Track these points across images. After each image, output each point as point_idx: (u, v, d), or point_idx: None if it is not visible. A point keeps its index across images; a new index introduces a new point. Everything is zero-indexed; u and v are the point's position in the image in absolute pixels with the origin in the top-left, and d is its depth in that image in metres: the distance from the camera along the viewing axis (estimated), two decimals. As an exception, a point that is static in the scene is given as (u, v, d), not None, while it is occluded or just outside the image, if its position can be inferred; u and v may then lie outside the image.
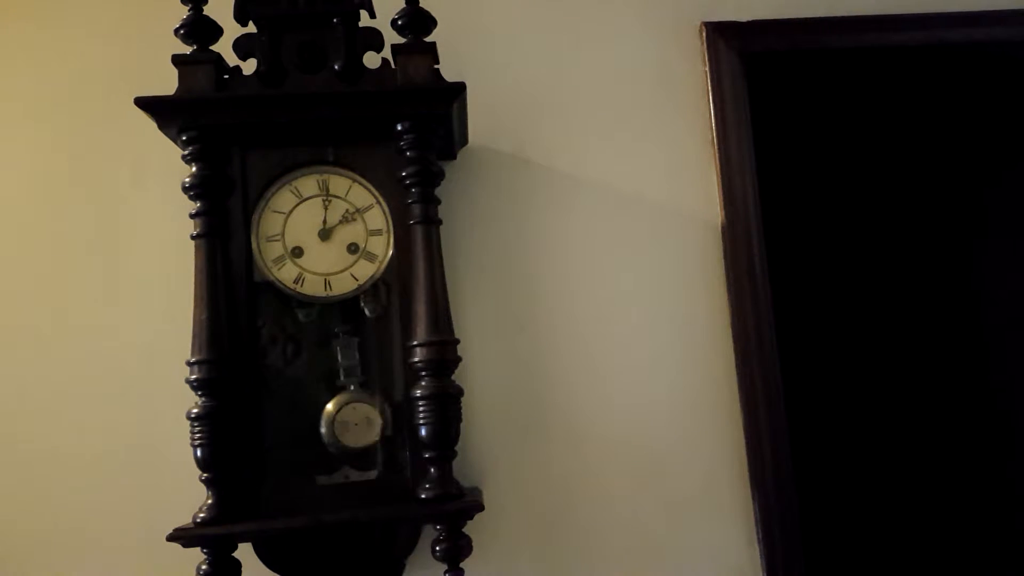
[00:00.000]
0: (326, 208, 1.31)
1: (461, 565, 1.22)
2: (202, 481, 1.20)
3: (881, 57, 1.77)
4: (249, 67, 1.32)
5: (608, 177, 1.59)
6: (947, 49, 1.76)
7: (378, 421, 1.29)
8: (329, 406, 1.31)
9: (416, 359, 1.23)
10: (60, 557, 1.42)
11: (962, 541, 2.64)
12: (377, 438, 1.29)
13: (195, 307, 1.22)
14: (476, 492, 1.37)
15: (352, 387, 1.33)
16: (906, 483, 2.80)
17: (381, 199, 1.32)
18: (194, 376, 1.20)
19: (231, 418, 1.21)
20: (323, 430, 1.30)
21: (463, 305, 1.50)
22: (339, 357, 1.34)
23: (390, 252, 1.31)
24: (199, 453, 1.18)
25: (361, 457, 1.32)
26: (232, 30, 1.31)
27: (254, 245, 1.29)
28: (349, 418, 1.29)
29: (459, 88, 1.28)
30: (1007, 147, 2.35)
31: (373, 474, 1.32)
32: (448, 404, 1.22)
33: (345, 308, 1.35)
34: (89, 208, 1.52)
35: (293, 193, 1.32)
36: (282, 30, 1.31)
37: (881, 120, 2.66)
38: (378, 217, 1.32)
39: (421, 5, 1.31)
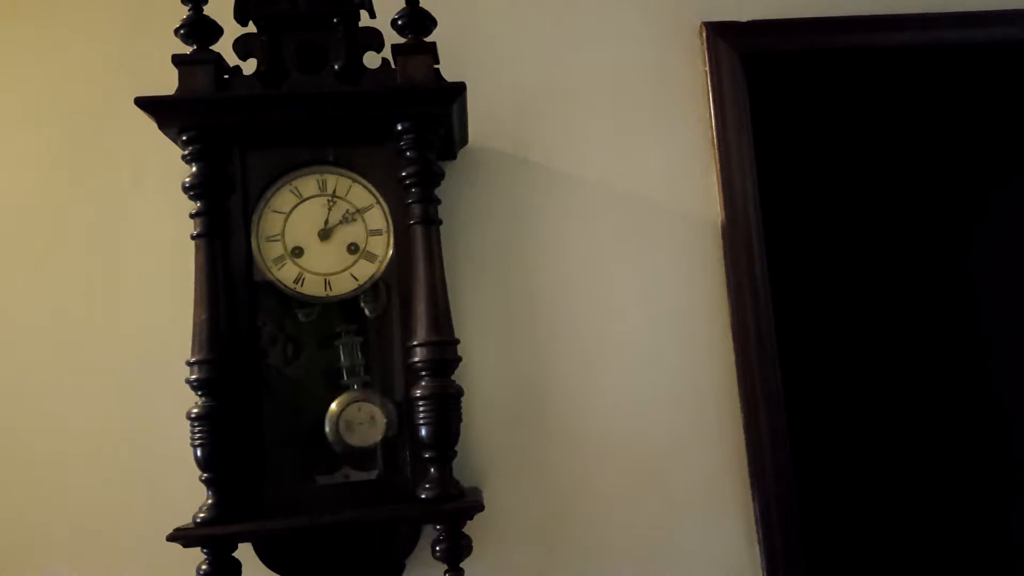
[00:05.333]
0: (329, 208, 1.31)
1: (461, 565, 1.22)
2: (202, 481, 1.20)
3: (881, 57, 1.77)
4: (249, 67, 1.31)
5: (608, 177, 1.59)
6: (947, 49, 1.76)
7: (382, 420, 1.30)
8: (333, 406, 1.31)
9: (416, 359, 1.23)
10: (60, 557, 1.41)
11: (962, 540, 2.64)
12: (381, 437, 1.29)
13: (195, 307, 1.22)
14: (476, 492, 1.37)
15: (355, 387, 1.33)
16: (906, 482, 2.80)
17: (381, 199, 1.32)
18: (194, 376, 1.20)
19: (231, 418, 1.20)
20: (327, 429, 1.30)
21: (463, 305, 1.50)
22: (342, 357, 1.34)
23: (390, 252, 1.31)
24: (199, 453, 1.18)
25: (361, 457, 1.32)
26: (232, 30, 1.31)
27: (254, 245, 1.29)
28: (354, 417, 1.30)
29: (459, 88, 1.28)
30: (1008, 147, 2.35)
31: (373, 474, 1.32)
32: (448, 404, 1.22)
33: (345, 308, 1.35)
34: (89, 208, 1.52)
35: (293, 193, 1.32)
36: (282, 30, 1.31)
37: (881, 120, 2.66)
38: (378, 217, 1.32)
39: (421, 5, 1.31)
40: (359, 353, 1.34)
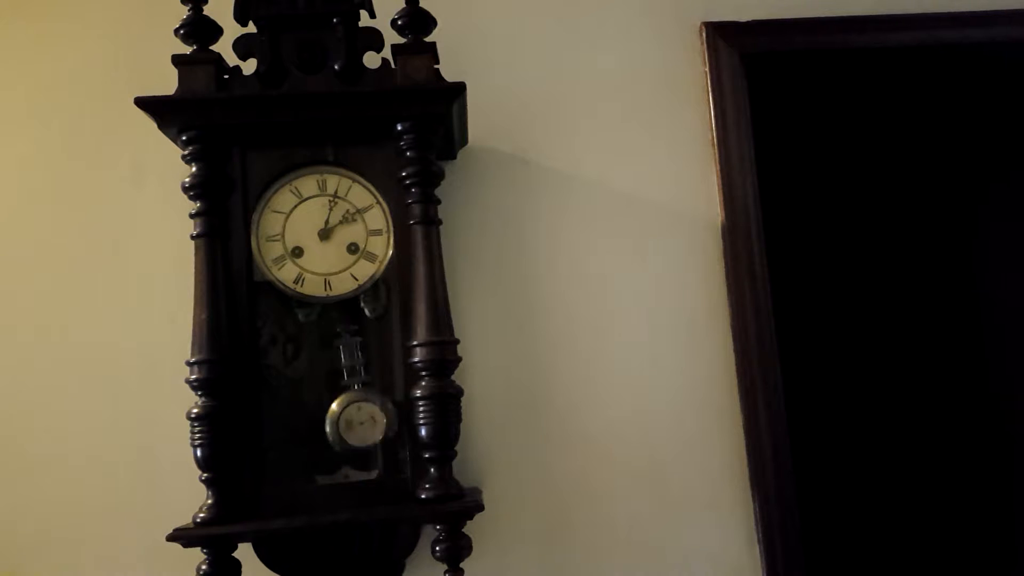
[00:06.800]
0: (329, 208, 1.31)
1: (461, 565, 1.22)
2: (202, 481, 1.20)
3: (880, 57, 1.77)
4: (249, 67, 1.31)
5: (608, 177, 1.59)
6: (947, 49, 1.76)
7: (382, 420, 1.29)
8: (334, 406, 1.30)
9: (416, 359, 1.23)
10: (60, 557, 1.42)
11: (963, 540, 2.64)
12: (381, 437, 1.29)
13: (195, 307, 1.22)
14: (476, 492, 1.37)
15: (356, 387, 1.32)
16: (906, 483, 2.80)
17: (381, 199, 1.32)
18: (194, 376, 1.20)
19: (231, 418, 1.21)
20: (327, 429, 1.30)
21: (463, 305, 1.50)
22: (342, 357, 1.33)
23: (390, 252, 1.31)
24: (199, 453, 1.18)
25: (361, 457, 1.32)
26: (232, 30, 1.31)
27: (254, 245, 1.29)
28: (354, 417, 1.29)
29: (459, 88, 1.28)
30: (1008, 146, 2.35)
31: (373, 474, 1.31)
32: (448, 404, 1.22)
33: (345, 308, 1.35)
34: (89, 208, 1.52)
35: (293, 193, 1.32)
36: (282, 30, 1.31)
37: (881, 120, 2.66)
38: (378, 217, 1.32)
39: (421, 5, 1.31)
40: (359, 353, 1.34)
